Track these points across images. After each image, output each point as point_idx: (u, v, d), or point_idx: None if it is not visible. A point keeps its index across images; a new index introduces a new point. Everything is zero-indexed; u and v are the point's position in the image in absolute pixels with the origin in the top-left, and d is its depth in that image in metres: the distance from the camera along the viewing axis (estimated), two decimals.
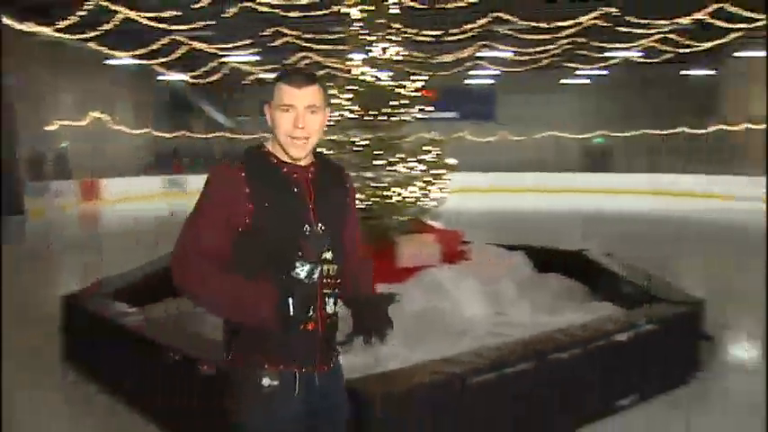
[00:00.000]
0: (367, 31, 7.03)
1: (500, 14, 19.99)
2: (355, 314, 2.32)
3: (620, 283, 6.16)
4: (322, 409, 2.24)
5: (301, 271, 2.03)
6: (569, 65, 28.42)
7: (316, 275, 2.05)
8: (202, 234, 2.13)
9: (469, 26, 21.10)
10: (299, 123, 2.15)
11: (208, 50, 23.23)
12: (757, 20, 19.79)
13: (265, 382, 2.15)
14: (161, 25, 19.14)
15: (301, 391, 2.18)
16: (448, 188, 7.08)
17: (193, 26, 19.66)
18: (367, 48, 7.06)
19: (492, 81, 32.80)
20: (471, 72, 30.27)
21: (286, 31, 21.55)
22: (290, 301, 2.01)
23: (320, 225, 2.17)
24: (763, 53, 25.60)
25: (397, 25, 7.30)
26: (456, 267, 6.45)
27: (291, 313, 2.02)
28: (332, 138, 7.12)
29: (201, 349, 4.10)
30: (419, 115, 7.47)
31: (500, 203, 23.85)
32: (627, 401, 4.62)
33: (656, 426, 4.44)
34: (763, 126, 25.68)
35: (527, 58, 26.23)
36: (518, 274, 6.72)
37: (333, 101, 7.06)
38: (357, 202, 6.49)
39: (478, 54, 25.53)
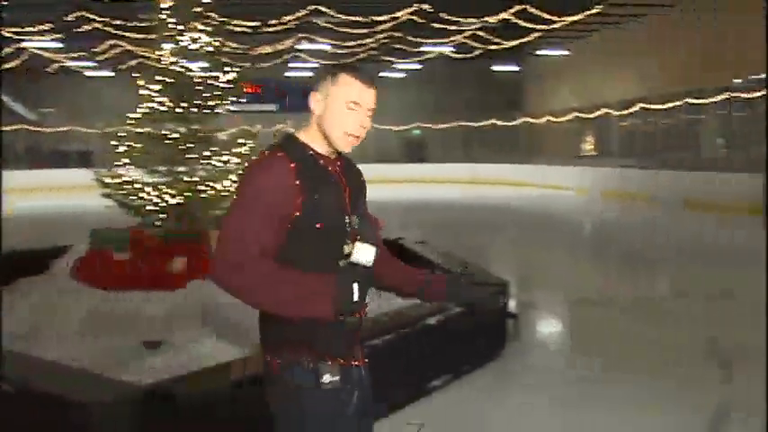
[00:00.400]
0: (176, 20, 6.79)
1: (318, 7, 20.08)
2: (451, 294, 2.30)
3: (434, 270, 6.41)
4: (367, 403, 2.18)
5: (362, 256, 1.94)
6: (387, 58, 29.17)
7: (373, 260, 1.96)
8: (257, 232, 1.98)
9: (288, 18, 21.01)
10: (365, 123, 2.13)
11: (2, 33, 21.33)
12: (556, 21, 21.40)
13: (326, 378, 2.05)
14: None
15: (356, 385, 2.12)
16: None
17: None
18: (177, 37, 6.82)
19: (312, 74, 32.90)
20: (291, 65, 30.19)
21: (93, 16, 20.27)
22: (355, 286, 1.91)
23: (354, 216, 2.13)
24: (561, 52, 27.75)
25: (212, 14, 7.10)
26: None
27: (356, 299, 1.90)
28: (141, 130, 6.81)
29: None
30: (233, 108, 7.34)
31: None
32: (439, 382, 4.83)
33: (467, 402, 4.67)
34: (564, 118, 27.84)
35: (346, 51, 26.59)
36: None
37: (142, 92, 6.76)
38: (169, 198, 6.27)
39: (297, 46, 25.51)
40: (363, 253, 1.95)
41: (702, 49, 20.27)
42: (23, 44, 23.15)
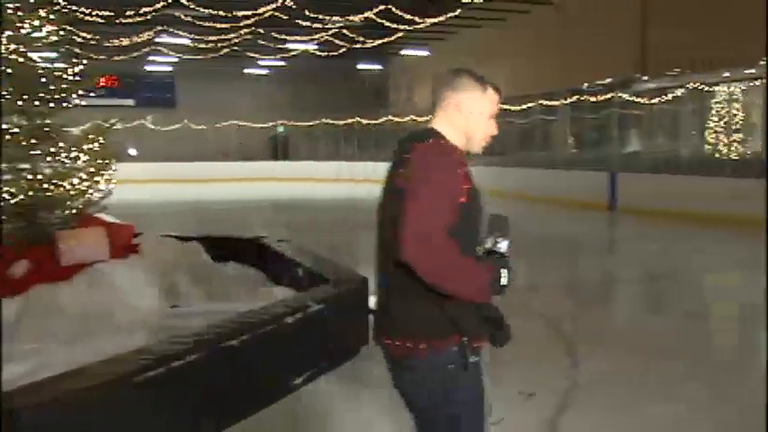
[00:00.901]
0: (16, 5, 6.33)
1: None
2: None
3: (294, 268, 6.38)
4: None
5: (504, 246, 2.24)
6: (250, 54, 28.72)
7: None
8: (446, 217, 2.10)
9: (146, 9, 20.21)
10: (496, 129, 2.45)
11: None
12: (418, 22, 21.90)
13: (472, 359, 2.22)
14: None
15: (484, 365, 2.33)
16: (116, 179, 6.69)
17: None
18: (17, 24, 6.36)
19: (171, 68, 31.87)
20: (150, 58, 29.10)
21: None
22: (507, 272, 2.19)
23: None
24: (423, 52, 28.42)
25: (61, 1, 6.69)
26: (127, 261, 6.13)
27: (507, 284, 2.19)
28: None
29: None
30: (84, 102, 6.95)
31: (183, 193, 23.34)
32: (300, 380, 4.80)
33: (325, 397, 4.67)
34: (426, 117, 28.47)
35: (208, 45, 25.95)
36: (193, 265, 6.60)
37: None
38: (8, 196, 5.83)
39: (157, 39, 24.61)
40: (505, 243, 2.24)
41: (556, 53, 21.43)
42: None
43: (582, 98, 20.06)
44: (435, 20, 21.63)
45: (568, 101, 20.69)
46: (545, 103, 21.61)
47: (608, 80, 18.90)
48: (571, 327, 6.51)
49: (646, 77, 18.07)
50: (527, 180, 19.62)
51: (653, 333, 5.93)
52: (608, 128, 19.72)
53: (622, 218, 15.74)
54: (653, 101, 17.83)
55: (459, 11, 20.78)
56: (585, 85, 19.76)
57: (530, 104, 22.21)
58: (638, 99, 18.22)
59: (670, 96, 17.30)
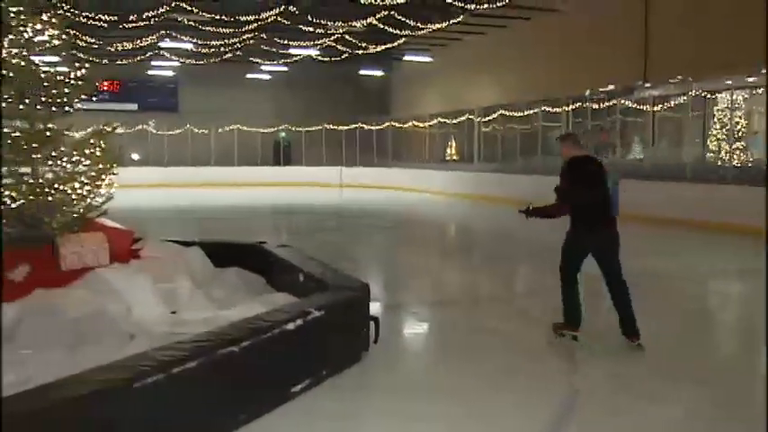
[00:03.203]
0: (19, 9, 6.33)
1: (181, 4, 19.48)
2: None
3: (295, 274, 6.35)
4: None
5: None
6: (253, 60, 28.75)
7: None
8: None
9: (149, 13, 20.25)
10: None
11: None
12: (420, 28, 21.91)
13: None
14: None
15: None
16: (117, 184, 6.67)
17: None
18: (20, 28, 6.35)
19: (174, 73, 31.90)
20: (153, 62, 29.14)
21: None
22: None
23: None
24: (425, 58, 28.44)
25: (62, 5, 6.69)
26: (127, 266, 6.11)
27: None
28: None
29: None
30: (86, 106, 6.94)
31: (184, 198, 23.34)
32: (299, 387, 4.77)
33: (325, 405, 4.64)
34: (428, 123, 28.50)
35: (211, 50, 25.98)
36: (194, 270, 6.58)
37: None
38: (9, 200, 5.79)
39: (160, 44, 24.64)
40: None
41: (558, 60, 21.44)
42: None
43: (584, 105, 20.05)
44: (438, 26, 21.65)
45: (570, 107, 20.68)
46: (547, 109, 21.60)
47: (610, 87, 18.89)
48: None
49: (648, 84, 18.07)
50: (528, 186, 19.55)
51: (654, 337, 5.90)
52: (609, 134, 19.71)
53: (624, 225, 15.65)
54: (655, 108, 17.82)
55: (461, 17, 20.80)
56: (587, 92, 19.75)
57: (532, 111, 22.21)
58: (641, 106, 18.21)
59: (672, 104, 17.29)
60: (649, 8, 18.31)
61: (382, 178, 28.54)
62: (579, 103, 20.21)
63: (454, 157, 28.62)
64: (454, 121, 26.80)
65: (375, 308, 6.34)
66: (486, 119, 25.04)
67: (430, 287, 9.21)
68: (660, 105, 17.67)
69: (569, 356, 5.75)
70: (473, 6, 19.41)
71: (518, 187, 20.29)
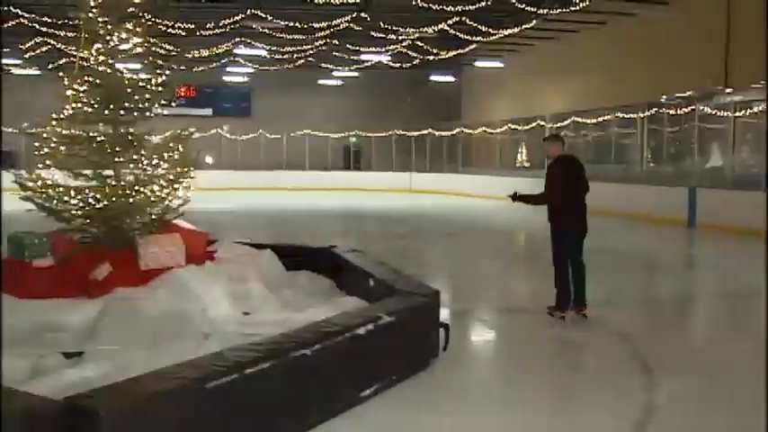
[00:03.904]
0: (106, 19, 6.59)
1: (256, 11, 19.88)
2: None
3: (365, 278, 6.38)
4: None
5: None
6: (325, 65, 29.09)
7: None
8: None
9: (225, 21, 20.74)
10: None
11: None
12: (492, 34, 21.75)
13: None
14: None
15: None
16: (194, 187, 6.86)
17: None
18: (107, 37, 6.62)
19: (247, 79, 32.56)
20: (229, 69, 29.82)
21: (19, 11, 19.55)
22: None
23: None
24: (497, 64, 28.21)
25: (147, 15, 6.93)
26: (202, 268, 6.27)
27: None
28: (66, 132, 6.57)
29: None
30: (165, 111, 7.16)
31: (256, 202, 23.77)
32: (369, 392, 4.78)
33: (398, 412, 4.64)
34: (499, 129, 28.26)
35: (284, 57, 26.42)
36: (267, 273, 6.69)
37: (68, 92, 6.54)
38: (94, 202, 6.04)
39: (235, 50, 25.22)
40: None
41: (633, 65, 20.93)
42: None
43: (660, 111, 19.50)
44: (510, 31, 21.44)
45: (646, 114, 20.15)
46: (621, 115, 21.11)
47: (688, 93, 18.32)
48: (646, 345, 6.29)
49: (729, 90, 17.44)
50: (601, 194, 19.13)
51: (734, 355, 5.66)
52: (688, 142, 19.10)
53: (702, 234, 15.22)
54: (736, 114, 17.18)
55: (534, 22, 20.55)
56: (664, 97, 19.20)
57: (605, 117, 21.74)
58: (721, 112, 17.58)
59: (755, 110, 16.63)
60: (731, 11, 17.68)
61: (452, 184, 28.43)
62: (655, 110, 19.68)
63: (525, 164, 28.25)
64: (525, 128, 26.49)
65: (444, 314, 6.32)
66: (558, 125, 24.65)
67: (499, 294, 9.11)
68: (741, 111, 17.03)
69: (646, 369, 5.58)
70: (546, 11, 19.15)
71: (590, 195, 19.89)
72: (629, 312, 7.91)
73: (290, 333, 4.47)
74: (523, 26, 20.87)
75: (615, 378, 5.38)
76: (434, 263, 12.00)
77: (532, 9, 19.04)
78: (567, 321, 6.82)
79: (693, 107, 18.08)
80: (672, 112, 18.99)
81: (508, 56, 27.97)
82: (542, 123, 25.47)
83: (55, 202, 6.34)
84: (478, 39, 22.57)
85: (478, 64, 28.76)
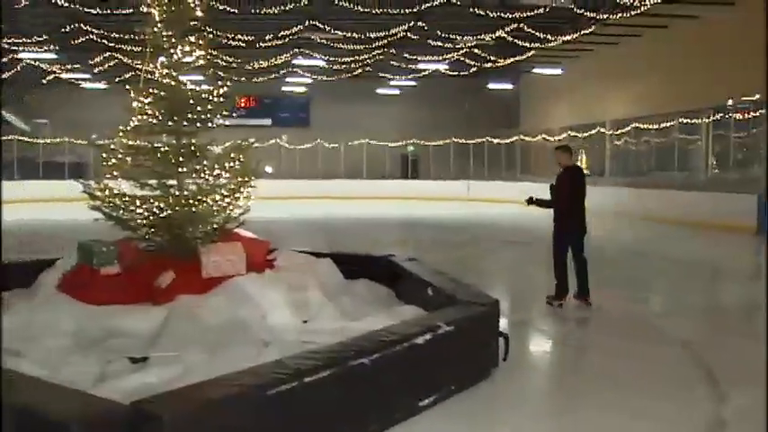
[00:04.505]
0: (170, 33, 6.77)
1: (314, 22, 20.13)
2: None
3: (424, 287, 6.37)
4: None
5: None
6: (382, 74, 29.23)
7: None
8: None
9: (284, 33, 21.06)
10: None
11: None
12: (550, 40, 21.50)
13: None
14: None
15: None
16: (254, 196, 6.97)
17: None
18: (171, 50, 6.79)
19: (306, 89, 32.95)
20: (288, 79, 30.23)
21: (89, 28, 20.26)
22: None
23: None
24: (555, 70, 27.87)
25: (208, 28, 7.09)
26: (262, 276, 6.35)
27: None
28: (132, 143, 6.76)
29: None
30: (227, 122, 7.30)
31: (315, 211, 23.98)
32: (428, 401, 4.76)
33: (452, 420, 4.61)
34: (558, 137, 27.89)
35: (342, 67, 26.66)
36: (326, 281, 6.74)
37: (134, 104, 6.73)
38: (159, 211, 6.19)
39: (293, 61, 25.56)
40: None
41: (697, 69, 20.38)
42: (20, 55, 23.12)
43: (726, 116, 18.94)
44: (568, 38, 21.17)
45: (711, 119, 19.61)
46: (685, 121, 20.59)
47: (756, 96, 17.74)
48: (711, 355, 6.10)
49: None
50: (666, 202, 18.72)
51: None
52: (756, 147, 18.49)
53: None
54: None
55: (593, 28, 20.24)
56: (730, 101, 18.65)
57: (668, 123, 21.24)
58: None
59: None
60: None
61: (510, 192, 28.15)
62: (721, 114, 19.14)
63: (585, 171, 27.79)
64: (585, 135, 26.07)
65: (503, 324, 6.25)
66: (619, 132, 24.19)
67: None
68: None
69: (713, 382, 5.41)
70: (605, 16, 18.83)
71: (654, 202, 19.47)
72: (692, 321, 7.69)
73: (349, 342, 4.49)
74: (581, 32, 20.57)
75: (683, 391, 5.22)
76: (493, 272, 11.88)
77: (591, 14, 18.76)
78: (623, 329, 6.68)
79: (762, 111, 17.50)
80: (739, 116, 18.43)
81: (567, 62, 27.59)
82: (602, 130, 25.03)
83: (121, 211, 6.53)
84: (536, 45, 22.35)
85: (537, 71, 28.46)
